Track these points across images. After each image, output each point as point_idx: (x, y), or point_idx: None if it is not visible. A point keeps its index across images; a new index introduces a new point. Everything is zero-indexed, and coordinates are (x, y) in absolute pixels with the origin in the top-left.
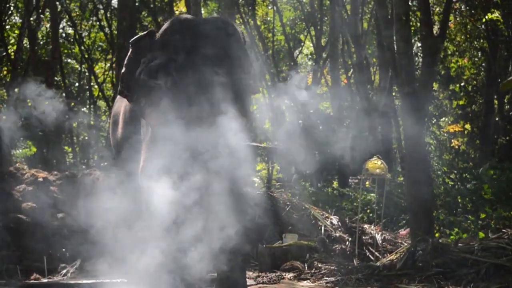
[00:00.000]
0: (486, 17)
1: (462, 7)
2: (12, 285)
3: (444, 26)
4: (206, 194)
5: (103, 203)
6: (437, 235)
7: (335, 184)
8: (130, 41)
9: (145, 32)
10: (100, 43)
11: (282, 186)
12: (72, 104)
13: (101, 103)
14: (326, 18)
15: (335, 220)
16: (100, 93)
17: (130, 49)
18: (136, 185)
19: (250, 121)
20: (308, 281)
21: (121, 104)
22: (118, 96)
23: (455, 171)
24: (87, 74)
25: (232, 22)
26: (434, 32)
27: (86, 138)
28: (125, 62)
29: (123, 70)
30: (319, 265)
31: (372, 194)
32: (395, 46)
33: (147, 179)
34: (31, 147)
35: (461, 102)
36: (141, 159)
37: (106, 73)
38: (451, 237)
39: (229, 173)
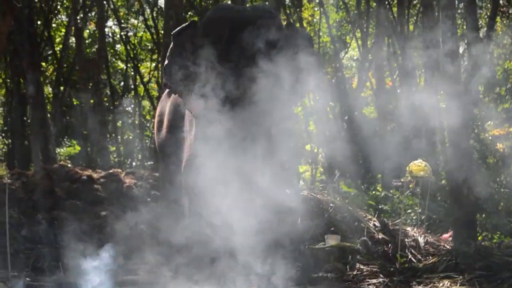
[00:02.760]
0: None
1: (509, 10)
2: (55, 282)
3: (491, 29)
4: (250, 190)
5: (146, 201)
6: (479, 238)
7: (378, 187)
8: (173, 32)
9: (187, 23)
10: (146, 43)
11: (325, 188)
12: (117, 103)
13: (146, 103)
14: (372, 20)
15: (377, 222)
16: (145, 93)
17: (173, 41)
18: (179, 184)
19: (293, 119)
20: (350, 282)
21: (166, 104)
22: (164, 95)
23: (499, 175)
24: (132, 73)
25: (275, 11)
26: (481, 35)
27: (131, 137)
28: (168, 54)
29: (166, 62)
30: (361, 267)
31: (416, 199)
32: (441, 49)
33: (191, 176)
34: (75, 146)
35: (506, 105)
36: (185, 156)
37: (152, 72)
38: (494, 240)
39: (274, 172)
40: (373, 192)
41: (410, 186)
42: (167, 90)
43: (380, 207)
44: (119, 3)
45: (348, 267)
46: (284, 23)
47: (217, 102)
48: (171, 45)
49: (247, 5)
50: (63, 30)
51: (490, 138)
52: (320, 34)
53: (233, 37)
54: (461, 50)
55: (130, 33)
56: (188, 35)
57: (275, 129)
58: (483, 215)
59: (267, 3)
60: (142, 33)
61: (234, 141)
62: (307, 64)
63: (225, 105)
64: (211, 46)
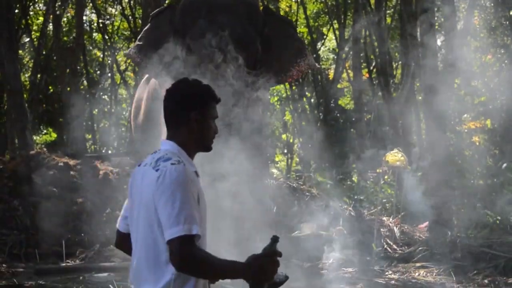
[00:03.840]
0: (511, 13)
1: (487, 3)
2: (30, 268)
3: (468, 22)
4: (223, 180)
5: (122, 187)
6: (455, 229)
7: (354, 177)
8: (151, 13)
9: (165, 6)
10: (123, 32)
11: (301, 177)
12: (94, 91)
13: (122, 91)
14: (349, 11)
15: (353, 211)
16: (121, 81)
17: (150, 22)
18: None
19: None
20: (326, 271)
21: (144, 90)
22: (142, 82)
23: (475, 167)
24: (109, 62)
25: None
26: (458, 27)
27: (107, 125)
28: (143, 33)
29: (138, 42)
30: (337, 255)
31: (391, 190)
32: (419, 41)
33: None
34: (51, 134)
35: (482, 99)
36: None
37: (128, 61)
38: (469, 231)
39: (247, 162)
40: (349, 182)
41: (386, 177)
42: (145, 77)
43: (356, 197)
44: None
45: (323, 255)
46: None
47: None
48: (147, 26)
49: None
50: (41, 18)
51: (466, 131)
52: (297, 24)
53: (210, 21)
54: (438, 42)
55: (108, 22)
56: (165, 17)
57: (250, 117)
58: (460, 206)
59: None
60: (119, 21)
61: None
62: (287, 45)
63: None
64: (187, 30)
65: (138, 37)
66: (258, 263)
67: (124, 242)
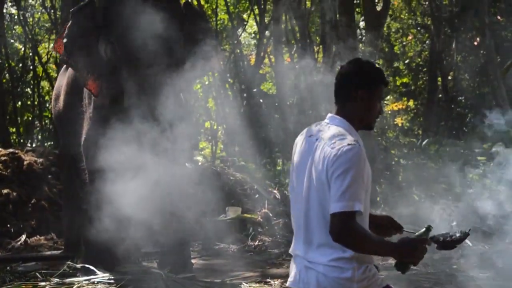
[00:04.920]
0: None
1: None
2: None
3: (387, 2)
4: (147, 167)
5: (46, 178)
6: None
7: (279, 164)
8: (71, 10)
9: (86, 1)
10: (44, 24)
11: (226, 163)
12: (16, 85)
13: (45, 84)
14: None
15: (278, 194)
16: (44, 74)
17: (71, 19)
18: (78, 158)
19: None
20: (252, 253)
21: (64, 78)
22: (61, 71)
23: (400, 148)
24: (31, 54)
25: None
26: (378, 9)
27: (30, 118)
28: (66, 32)
29: (65, 40)
30: (263, 237)
31: None
32: (339, 23)
33: (89, 150)
34: None
35: (405, 80)
36: (83, 131)
37: (50, 53)
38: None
39: (170, 148)
40: (271, 168)
41: None
42: (65, 66)
43: (280, 180)
44: None
45: (249, 238)
46: (182, 1)
47: (116, 84)
48: (69, 23)
49: None
50: None
51: (389, 112)
52: (218, 11)
53: (131, 17)
54: (361, 25)
55: (28, 14)
56: (87, 13)
57: (171, 109)
58: (383, 186)
59: None
60: (39, 13)
61: (131, 120)
62: (204, 41)
63: (124, 85)
64: (110, 26)
65: (64, 35)
66: (410, 248)
67: None
